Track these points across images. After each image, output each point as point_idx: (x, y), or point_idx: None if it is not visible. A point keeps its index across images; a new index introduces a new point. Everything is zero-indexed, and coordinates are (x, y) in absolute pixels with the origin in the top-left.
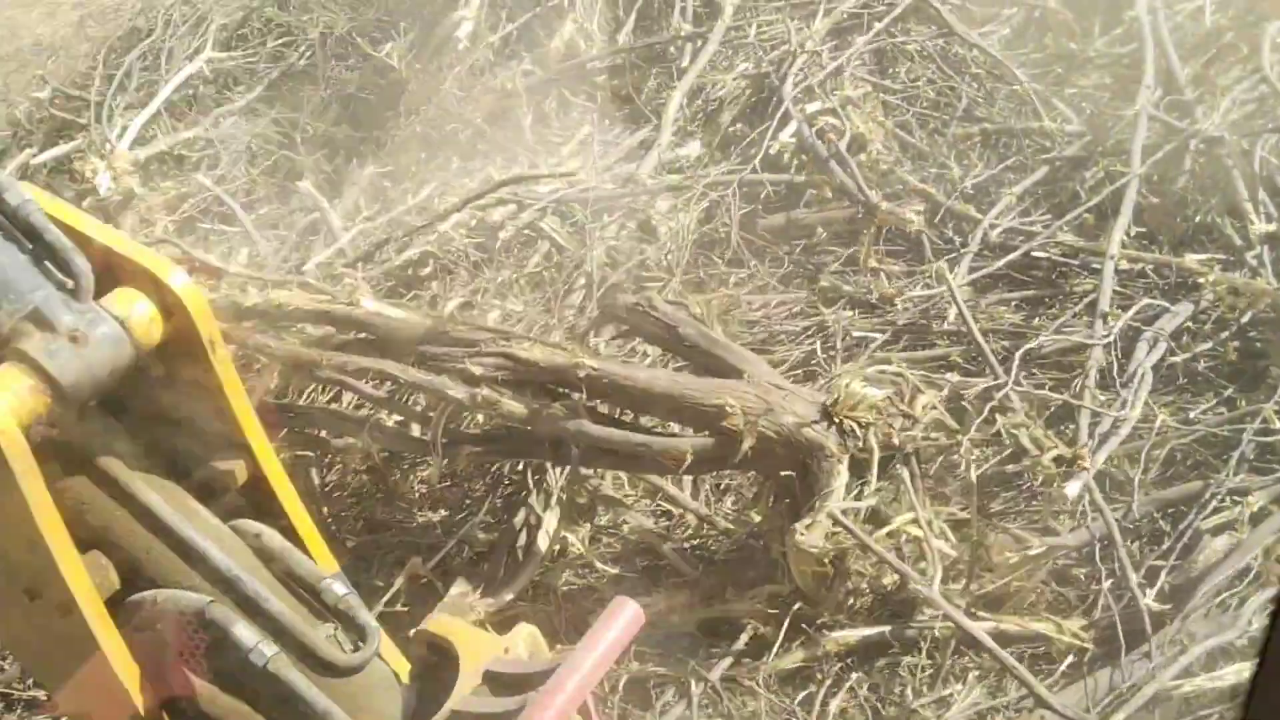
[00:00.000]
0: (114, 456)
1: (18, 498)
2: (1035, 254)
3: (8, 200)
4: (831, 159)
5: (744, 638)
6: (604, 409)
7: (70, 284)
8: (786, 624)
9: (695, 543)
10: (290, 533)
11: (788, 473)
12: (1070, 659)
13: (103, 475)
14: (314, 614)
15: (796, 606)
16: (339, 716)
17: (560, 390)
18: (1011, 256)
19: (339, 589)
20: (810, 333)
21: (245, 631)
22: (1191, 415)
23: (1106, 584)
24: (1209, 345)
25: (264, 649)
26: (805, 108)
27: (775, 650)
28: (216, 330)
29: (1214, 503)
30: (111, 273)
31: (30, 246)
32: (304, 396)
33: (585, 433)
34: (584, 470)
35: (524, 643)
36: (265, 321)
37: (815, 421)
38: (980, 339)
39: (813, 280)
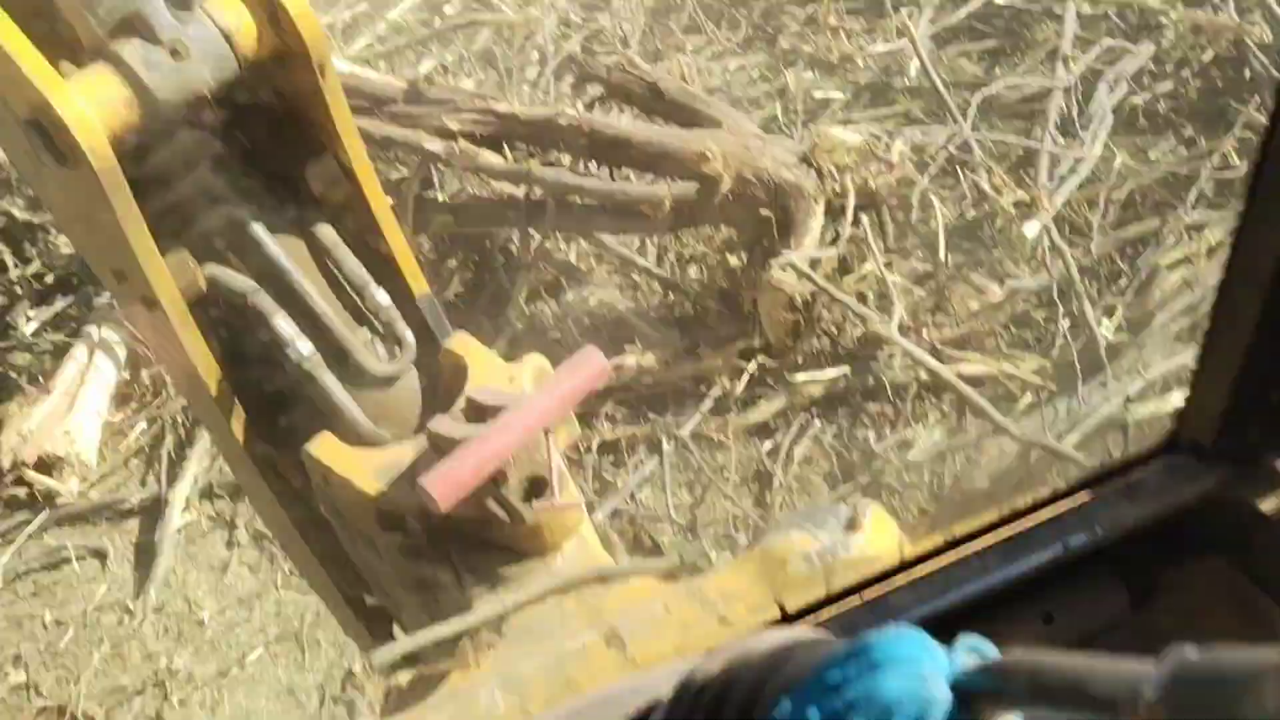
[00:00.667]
0: (209, 173)
1: (107, 209)
2: (997, 2)
3: None
4: None
5: (714, 394)
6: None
7: None
8: (754, 375)
9: (663, 312)
10: (387, 254)
11: (766, 214)
12: (1029, 397)
13: (194, 190)
14: (356, 318)
15: (765, 362)
16: (364, 422)
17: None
18: (972, 6)
19: (382, 298)
20: (772, 96)
21: (285, 325)
22: (1151, 155)
23: (1065, 323)
24: (1170, 85)
25: (301, 346)
26: None
27: (743, 402)
28: (327, 53)
29: (1171, 238)
30: None
31: None
32: None
33: (563, 182)
34: (554, 243)
35: (529, 374)
36: None
37: (794, 165)
38: (942, 88)
39: (772, 43)
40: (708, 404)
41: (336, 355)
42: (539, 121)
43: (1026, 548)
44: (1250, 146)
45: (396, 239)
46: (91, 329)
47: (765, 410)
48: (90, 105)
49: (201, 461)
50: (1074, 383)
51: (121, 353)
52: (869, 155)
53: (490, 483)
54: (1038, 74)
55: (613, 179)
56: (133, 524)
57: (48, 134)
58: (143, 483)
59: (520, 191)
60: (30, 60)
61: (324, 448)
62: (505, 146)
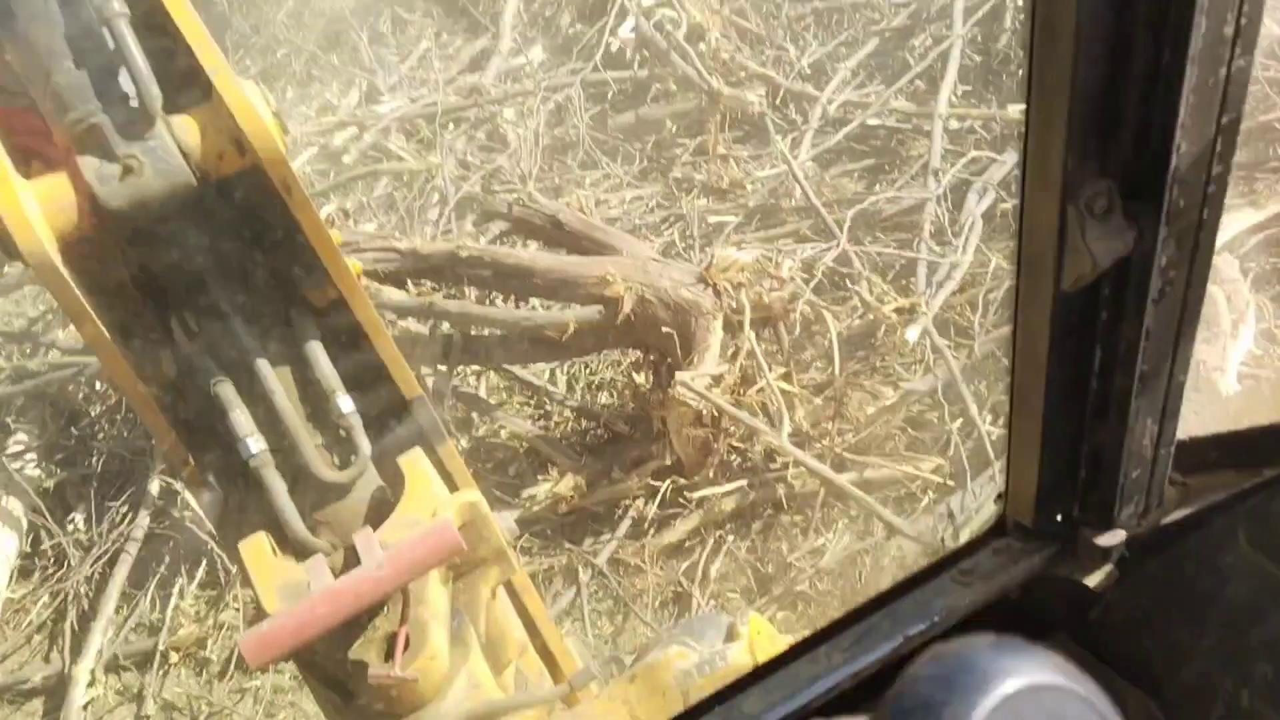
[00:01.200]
0: (194, 269)
1: (54, 294)
2: (872, 123)
3: (100, 6)
4: (672, 51)
5: (629, 517)
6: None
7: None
8: (668, 494)
9: (575, 439)
10: (371, 355)
11: (668, 331)
12: (931, 495)
13: (179, 277)
14: (318, 423)
15: (678, 481)
16: (298, 531)
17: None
18: (849, 128)
19: (345, 405)
20: (669, 223)
21: (242, 419)
22: None
23: (956, 423)
24: None
25: (252, 443)
26: (641, 2)
27: (658, 525)
28: (289, 173)
29: None
30: (200, 86)
31: (111, 51)
32: None
33: (468, 314)
34: (464, 377)
35: (457, 510)
36: None
37: (692, 284)
38: (821, 209)
39: (665, 173)
40: (624, 528)
41: (292, 456)
42: (441, 255)
43: (869, 642)
44: None
45: (384, 344)
46: None
47: (680, 529)
48: (39, 208)
49: (106, 633)
50: (965, 479)
51: (24, 523)
52: (762, 273)
53: (345, 635)
54: (912, 187)
55: (517, 308)
56: (36, 704)
57: None
58: (46, 659)
59: (426, 327)
60: None
61: (251, 550)
62: (409, 283)
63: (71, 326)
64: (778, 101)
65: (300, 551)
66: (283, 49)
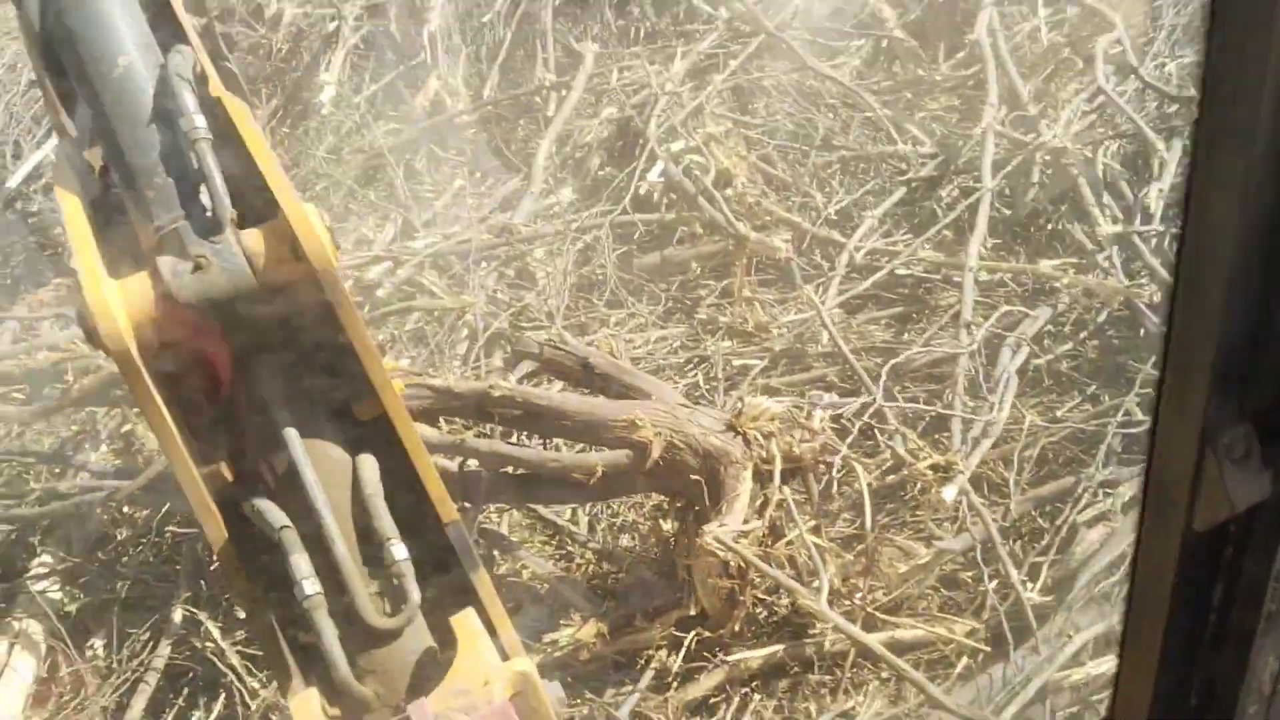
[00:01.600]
0: (258, 374)
1: (128, 380)
2: (900, 272)
3: (184, 128)
4: (699, 195)
5: (652, 668)
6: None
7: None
8: (692, 648)
9: (597, 583)
10: (411, 472)
11: (696, 479)
12: (965, 660)
13: (244, 389)
14: (375, 568)
15: (703, 633)
16: (347, 679)
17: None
18: (877, 276)
19: (399, 553)
20: (693, 365)
21: (301, 563)
22: (1058, 414)
23: (992, 584)
24: (1069, 346)
25: (308, 586)
26: (670, 147)
27: (682, 678)
28: (338, 280)
29: (1086, 496)
30: (267, 203)
31: (195, 170)
32: None
33: (498, 452)
34: (487, 514)
35: (505, 682)
36: None
37: (721, 432)
38: (851, 358)
39: (690, 314)
40: (646, 679)
41: (343, 599)
42: (473, 394)
43: None
44: (1150, 402)
45: (424, 463)
46: (13, 621)
47: (705, 684)
48: (120, 301)
49: None
50: (1006, 646)
51: (43, 647)
52: (792, 422)
53: None
54: (943, 338)
55: (545, 448)
56: None
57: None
58: None
59: (454, 464)
60: (84, 262)
61: (300, 707)
62: (440, 420)
63: (104, 447)
64: (804, 247)
65: (345, 699)
66: (322, 183)
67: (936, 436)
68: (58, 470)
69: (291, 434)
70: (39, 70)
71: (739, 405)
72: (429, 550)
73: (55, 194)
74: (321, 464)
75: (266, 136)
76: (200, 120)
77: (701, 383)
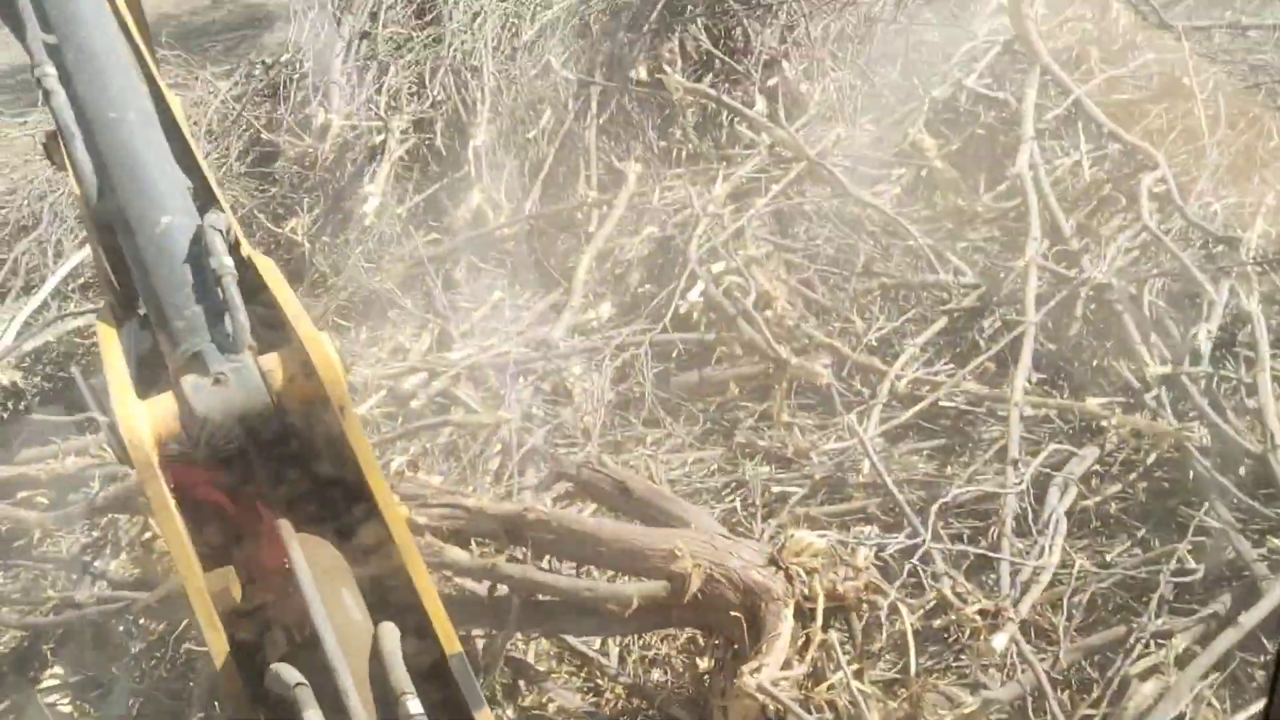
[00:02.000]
0: (276, 498)
1: (148, 492)
2: (942, 403)
3: (213, 266)
4: (739, 316)
5: None
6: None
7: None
8: None
9: (625, 719)
10: (414, 599)
11: (735, 615)
12: None
13: (264, 514)
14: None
15: None
16: None
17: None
18: (919, 407)
19: (413, 708)
20: (730, 489)
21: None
22: (1108, 558)
23: None
24: (1118, 487)
25: None
26: (710, 268)
27: None
28: (347, 399)
29: (1139, 647)
30: (284, 333)
31: (220, 302)
32: None
33: (530, 579)
34: (514, 641)
35: None
36: None
37: (762, 566)
38: (896, 493)
39: (728, 436)
40: None
41: None
42: (507, 516)
43: None
44: (1204, 551)
45: (428, 592)
46: None
47: None
48: (147, 416)
49: None
50: None
51: None
52: (836, 559)
53: None
54: (987, 473)
55: (578, 575)
56: None
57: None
58: None
59: (484, 588)
60: (115, 382)
61: None
62: (472, 541)
63: (123, 555)
64: (845, 373)
65: None
66: (360, 290)
67: (983, 577)
68: (75, 577)
69: (310, 590)
70: (91, 237)
71: (782, 539)
72: (430, 679)
73: (97, 326)
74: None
75: (306, 244)
76: (228, 260)
77: (739, 509)
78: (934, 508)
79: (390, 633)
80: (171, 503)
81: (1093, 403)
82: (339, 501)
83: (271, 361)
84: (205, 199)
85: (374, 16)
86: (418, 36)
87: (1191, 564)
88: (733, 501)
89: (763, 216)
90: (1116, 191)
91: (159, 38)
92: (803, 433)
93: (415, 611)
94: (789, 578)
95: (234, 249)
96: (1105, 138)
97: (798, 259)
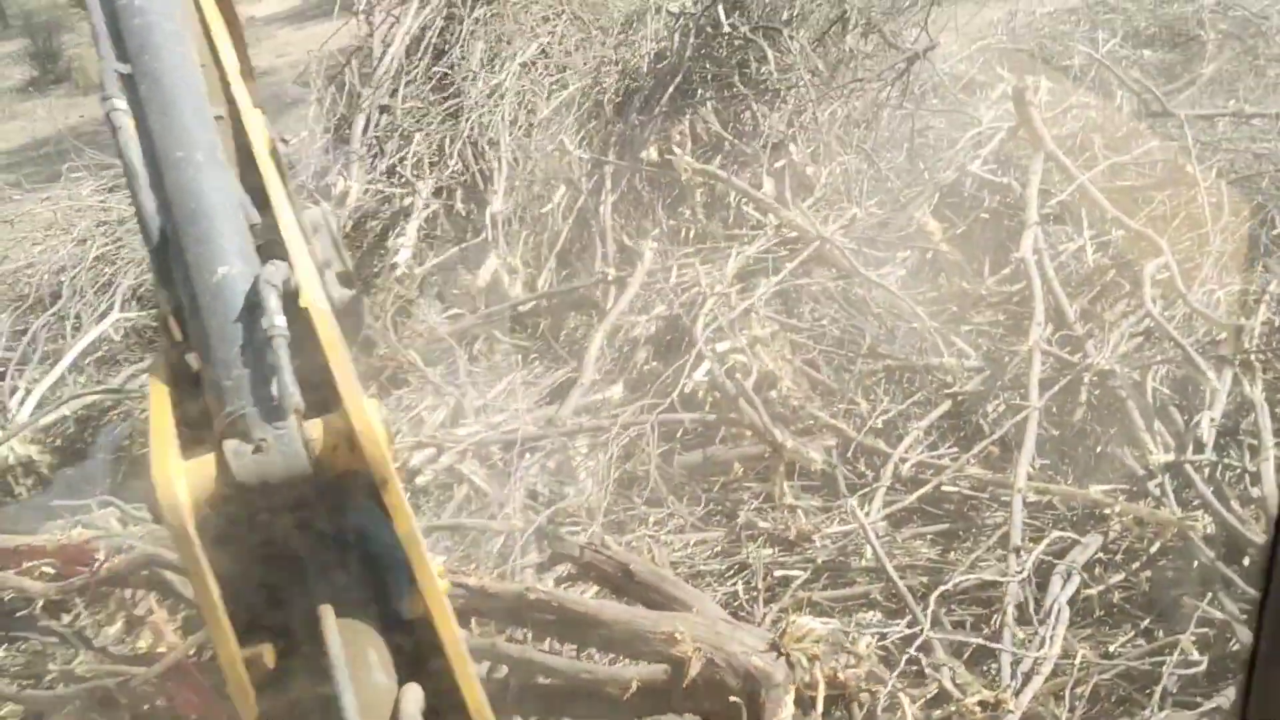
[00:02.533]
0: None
1: (182, 553)
2: (946, 488)
3: (264, 326)
4: (740, 397)
5: None
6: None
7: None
8: None
9: None
10: (450, 683)
11: (735, 700)
12: None
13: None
14: None
15: None
16: None
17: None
18: (923, 490)
19: None
20: (732, 572)
21: None
22: (1111, 649)
23: None
24: (1121, 576)
25: None
26: (716, 347)
27: None
28: (390, 473)
29: None
30: (332, 397)
31: (269, 364)
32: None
33: (529, 660)
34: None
35: None
36: None
37: (763, 652)
38: (897, 579)
39: (731, 517)
40: None
41: None
42: (509, 596)
43: None
44: (1208, 642)
45: (465, 671)
46: None
47: None
48: (185, 480)
49: None
50: None
51: None
52: (838, 646)
53: None
54: (990, 559)
55: (577, 657)
56: None
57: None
58: None
59: (483, 668)
60: (157, 442)
61: None
62: (473, 621)
63: (119, 626)
64: (848, 455)
65: None
66: (380, 358)
67: (984, 666)
68: (74, 650)
69: (337, 652)
70: (155, 282)
71: (784, 624)
72: None
73: (149, 380)
74: (362, 691)
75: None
76: (280, 320)
77: (741, 592)
78: (934, 595)
79: (413, 694)
80: (207, 567)
81: (1096, 490)
82: (375, 571)
83: (315, 429)
84: (270, 239)
85: (394, 92)
86: (435, 111)
87: (1195, 655)
88: (735, 585)
89: (769, 297)
90: (1120, 278)
91: None
92: (806, 515)
93: (446, 682)
94: (790, 664)
95: (294, 298)
96: (1109, 224)
97: (803, 339)
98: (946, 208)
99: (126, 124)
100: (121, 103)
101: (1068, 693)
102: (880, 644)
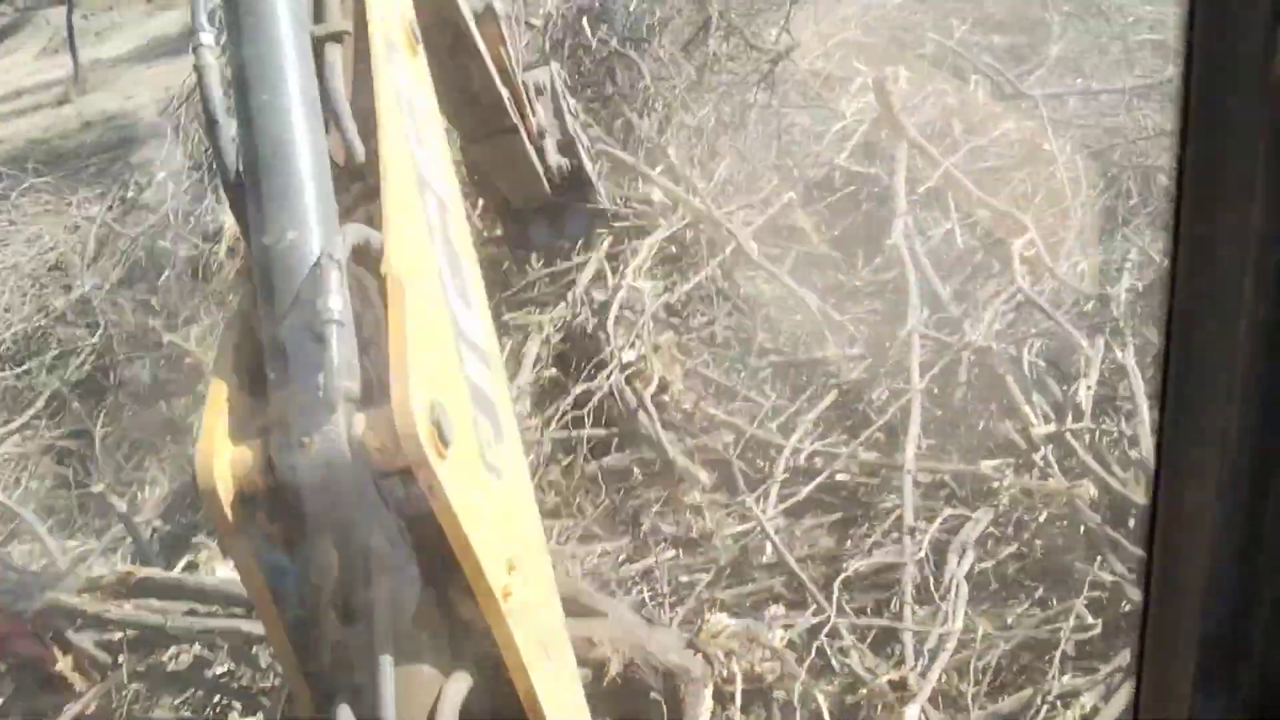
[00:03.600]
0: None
1: (220, 530)
2: (840, 476)
3: (319, 308)
4: (639, 406)
5: None
6: None
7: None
8: None
9: None
10: (509, 690)
11: (656, 698)
12: None
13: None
14: None
15: None
16: None
17: None
18: (817, 480)
19: None
20: (638, 578)
21: None
22: (1009, 620)
23: None
24: (1014, 548)
25: None
26: (614, 352)
27: None
28: (434, 476)
29: (1045, 708)
30: (384, 391)
31: (320, 350)
32: None
33: None
34: None
35: None
36: None
37: (680, 650)
38: (799, 571)
39: (634, 525)
40: None
41: None
42: None
43: None
44: (1101, 605)
45: (518, 665)
46: None
47: None
48: (225, 462)
49: None
50: None
51: None
52: (753, 641)
53: None
54: (887, 543)
55: None
56: None
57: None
58: None
59: None
60: (207, 422)
61: None
62: None
63: None
64: (744, 452)
65: None
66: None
67: (890, 649)
68: None
69: (385, 668)
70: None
71: (699, 622)
72: None
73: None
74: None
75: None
76: (336, 303)
77: (648, 599)
78: (836, 582)
79: (458, 683)
80: (249, 554)
81: (985, 465)
82: (425, 579)
83: (360, 424)
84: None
85: None
86: None
87: (1090, 619)
88: (641, 591)
89: (660, 302)
90: (990, 257)
91: (25, 163)
92: (707, 515)
93: (497, 672)
94: (707, 660)
95: (376, 263)
96: (974, 206)
97: (693, 341)
98: (818, 202)
99: (211, 64)
100: (209, 37)
101: (971, 667)
102: (789, 635)
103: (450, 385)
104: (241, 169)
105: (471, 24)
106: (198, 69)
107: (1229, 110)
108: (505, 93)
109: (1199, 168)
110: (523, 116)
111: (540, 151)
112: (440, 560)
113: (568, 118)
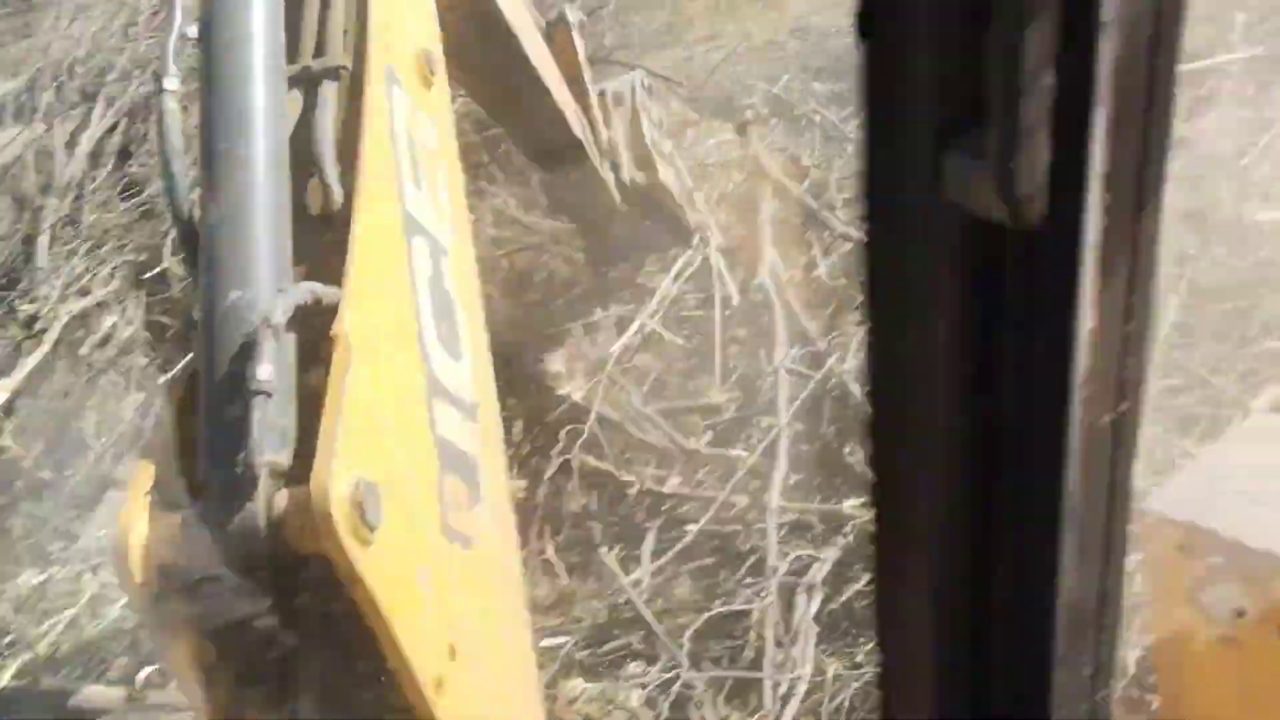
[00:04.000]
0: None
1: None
2: (707, 529)
3: (247, 377)
4: None
5: None
6: None
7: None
8: None
9: None
10: None
11: None
12: None
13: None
14: None
15: None
16: None
17: None
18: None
19: None
20: None
21: None
22: (858, 658)
23: None
24: (861, 584)
25: None
26: None
27: None
28: (355, 568)
29: None
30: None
31: (247, 421)
32: None
33: None
34: None
35: None
36: None
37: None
38: (654, 624)
39: None
40: None
41: None
42: None
43: None
44: None
45: None
46: None
47: None
48: (143, 537)
49: None
50: None
51: None
52: (610, 703)
53: None
54: (742, 590)
55: None
56: None
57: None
58: None
59: None
60: (136, 487)
61: None
62: None
63: None
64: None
65: None
66: None
67: (749, 695)
68: None
69: None
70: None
71: (555, 690)
72: None
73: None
74: None
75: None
76: (264, 371)
77: None
78: (687, 634)
79: None
80: (163, 630)
81: (848, 505)
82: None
83: (281, 501)
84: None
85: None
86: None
87: None
88: None
89: None
90: (850, 289)
91: None
92: (569, 574)
93: None
94: None
95: (327, 322)
96: (838, 239)
97: None
98: None
99: (170, 109)
100: (173, 82)
101: (823, 708)
102: (648, 693)
103: (393, 457)
104: (195, 218)
105: (523, 37)
106: (160, 112)
107: (905, 226)
108: (573, 106)
109: (882, 282)
110: (593, 130)
111: (615, 167)
112: (373, 643)
113: (646, 128)
